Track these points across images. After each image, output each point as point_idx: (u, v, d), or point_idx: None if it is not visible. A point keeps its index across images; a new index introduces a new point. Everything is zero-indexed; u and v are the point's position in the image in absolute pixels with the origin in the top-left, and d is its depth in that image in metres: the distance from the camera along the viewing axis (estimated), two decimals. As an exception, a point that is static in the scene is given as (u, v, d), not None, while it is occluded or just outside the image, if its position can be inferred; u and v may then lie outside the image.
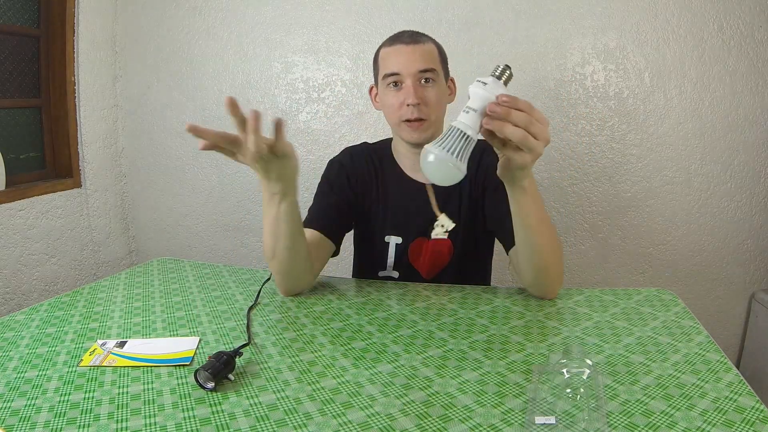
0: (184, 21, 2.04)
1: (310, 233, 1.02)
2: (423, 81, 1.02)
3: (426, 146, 0.68)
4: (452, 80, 1.13)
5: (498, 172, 0.78)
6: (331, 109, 1.95)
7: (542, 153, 0.70)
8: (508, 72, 0.68)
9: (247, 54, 1.99)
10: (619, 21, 1.69)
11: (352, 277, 1.27)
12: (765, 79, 1.66)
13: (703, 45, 1.66)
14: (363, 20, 1.86)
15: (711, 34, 1.65)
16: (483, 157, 1.08)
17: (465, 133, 0.66)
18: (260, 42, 1.97)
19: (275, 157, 0.78)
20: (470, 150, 0.67)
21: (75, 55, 1.95)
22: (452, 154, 0.66)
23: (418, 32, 1.06)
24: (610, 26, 1.70)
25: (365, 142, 1.22)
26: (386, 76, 1.04)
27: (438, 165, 0.67)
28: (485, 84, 0.67)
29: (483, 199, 1.10)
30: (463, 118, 0.67)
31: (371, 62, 1.13)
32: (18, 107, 1.89)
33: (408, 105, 1.01)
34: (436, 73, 1.04)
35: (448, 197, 1.11)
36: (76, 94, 1.98)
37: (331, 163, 1.17)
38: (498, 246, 1.12)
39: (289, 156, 0.80)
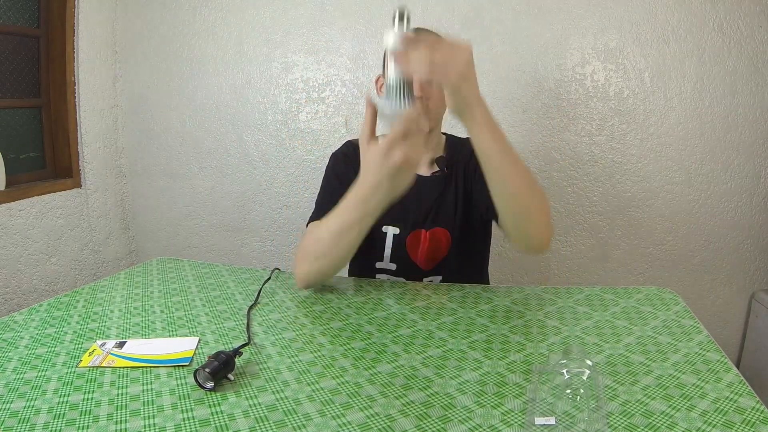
0: (184, 21, 2.04)
1: None
2: None
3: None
4: None
5: (450, 113, 0.80)
6: (331, 109, 1.95)
7: (463, 71, 0.76)
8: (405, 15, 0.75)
9: (247, 54, 1.99)
10: (619, 21, 1.69)
11: (349, 268, 1.27)
12: (765, 79, 1.66)
13: (703, 45, 1.66)
14: (363, 20, 1.85)
15: (711, 34, 1.65)
16: (473, 152, 1.11)
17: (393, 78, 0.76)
18: (260, 42, 1.97)
19: (414, 167, 0.78)
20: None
21: (75, 55, 1.95)
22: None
23: (434, 32, 1.09)
24: (610, 26, 1.70)
25: None
26: None
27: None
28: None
29: (475, 185, 1.12)
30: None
31: (371, 62, 1.14)
32: (18, 107, 1.89)
33: None
34: None
35: (445, 190, 1.13)
36: (76, 94, 1.98)
37: (335, 155, 1.18)
38: (495, 246, 1.13)
39: (415, 171, 0.81)
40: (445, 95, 0.77)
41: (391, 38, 0.73)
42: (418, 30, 1.09)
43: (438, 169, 1.14)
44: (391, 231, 1.14)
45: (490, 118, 0.81)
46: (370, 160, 0.80)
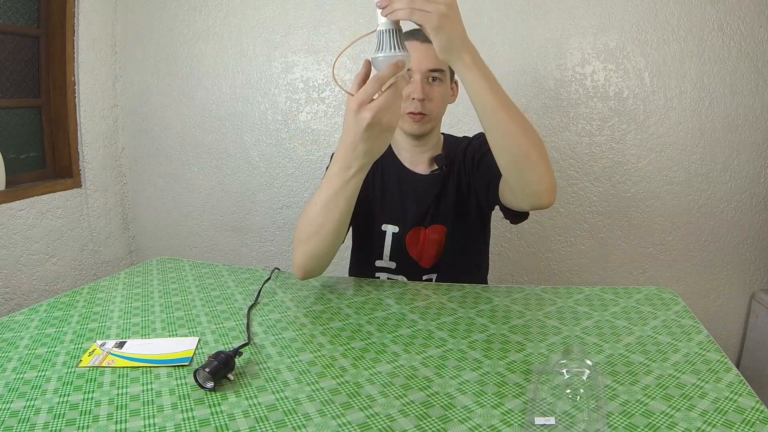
0: (184, 21, 2.04)
1: None
2: (430, 79, 1.08)
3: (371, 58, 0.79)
4: (456, 83, 1.17)
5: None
6: (331, 109, 1.95)
7: (444, 11, 0.73)
8: None
9: (247, 54, 1.99)
10: (619, 21, 1.69)
11: (349, 268, 1.28)
12: (765, 79, 1.66)
13: (703, 45, 1.66)
14: (363, 20, 1.85)
15: (711, 33, 1.65)
16: (466, 148, 1.15)
17: (382, 30, 0.78)
18: (260, 42, 1.97)
19: (388, 129, 0.79)
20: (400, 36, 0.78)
21: (75, 55, 1.95)
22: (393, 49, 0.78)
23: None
24: (610, 26, 1.70)
25: None
26: None
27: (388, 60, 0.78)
28: None
29: (474, 174, 1.13)
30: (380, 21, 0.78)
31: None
32: (18, 107, 1.89)
33: (413, 99, 1.06)
34: (444, 73, 1.09)
35: (444, 188, 1.14)
36: (76, 94, 1.97)
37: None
38: (495, 246, 1.13)
39: (392, 133, 0.81)
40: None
41: None
42: (418, 29, 1.09)
43: (437, 167, 1.14)
44: (390, 229, 1.14)
45: (478, 60, 0.79)
46: (345, 120, 0.80)
